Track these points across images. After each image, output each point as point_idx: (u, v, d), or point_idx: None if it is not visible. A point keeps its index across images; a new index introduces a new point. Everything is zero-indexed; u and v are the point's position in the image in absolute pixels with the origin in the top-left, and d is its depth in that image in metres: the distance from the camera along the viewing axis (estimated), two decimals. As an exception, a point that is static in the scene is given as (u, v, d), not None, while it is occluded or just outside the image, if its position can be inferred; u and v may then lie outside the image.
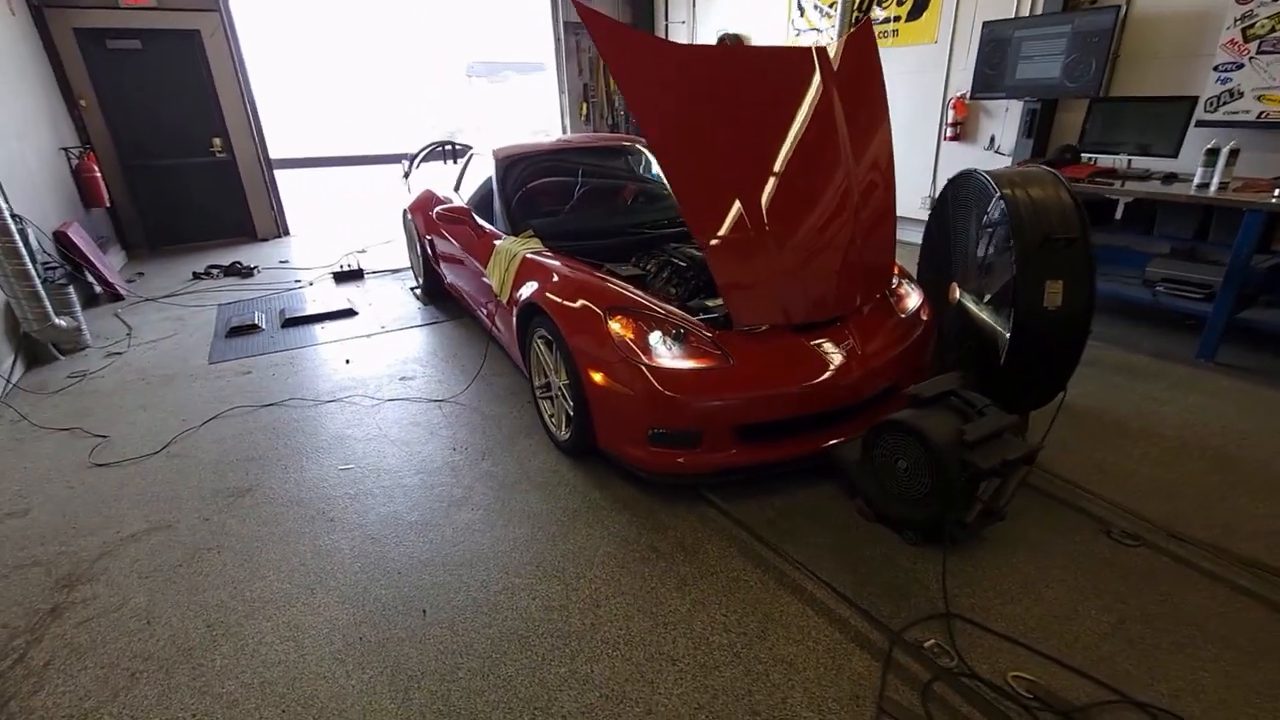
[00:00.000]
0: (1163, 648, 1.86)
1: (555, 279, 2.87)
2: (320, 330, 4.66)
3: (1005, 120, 5.22)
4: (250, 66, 7.18)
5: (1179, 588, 2.07)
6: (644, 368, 2.42)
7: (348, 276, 5.95)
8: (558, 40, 8.77)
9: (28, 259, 3.88)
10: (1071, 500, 2.50)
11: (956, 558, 2.21)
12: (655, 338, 2.53)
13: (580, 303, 2.67)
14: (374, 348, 4.29)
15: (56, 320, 4.11)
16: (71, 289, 4.30)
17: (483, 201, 3.98)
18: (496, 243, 3.48)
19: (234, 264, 6.24)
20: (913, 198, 5.95)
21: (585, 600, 2.09)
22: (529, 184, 3.90)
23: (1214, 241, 3.81)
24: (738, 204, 2.61)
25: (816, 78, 2.81)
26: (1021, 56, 4.67)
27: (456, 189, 4.50)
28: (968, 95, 5.25)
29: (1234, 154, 3.49)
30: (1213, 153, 3.55)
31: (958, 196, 3.06)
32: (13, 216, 3.85)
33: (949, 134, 5.63)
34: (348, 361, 4.06)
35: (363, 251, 6.79)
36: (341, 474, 2.84)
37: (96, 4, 6.35)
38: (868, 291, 2.86)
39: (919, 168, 5.94)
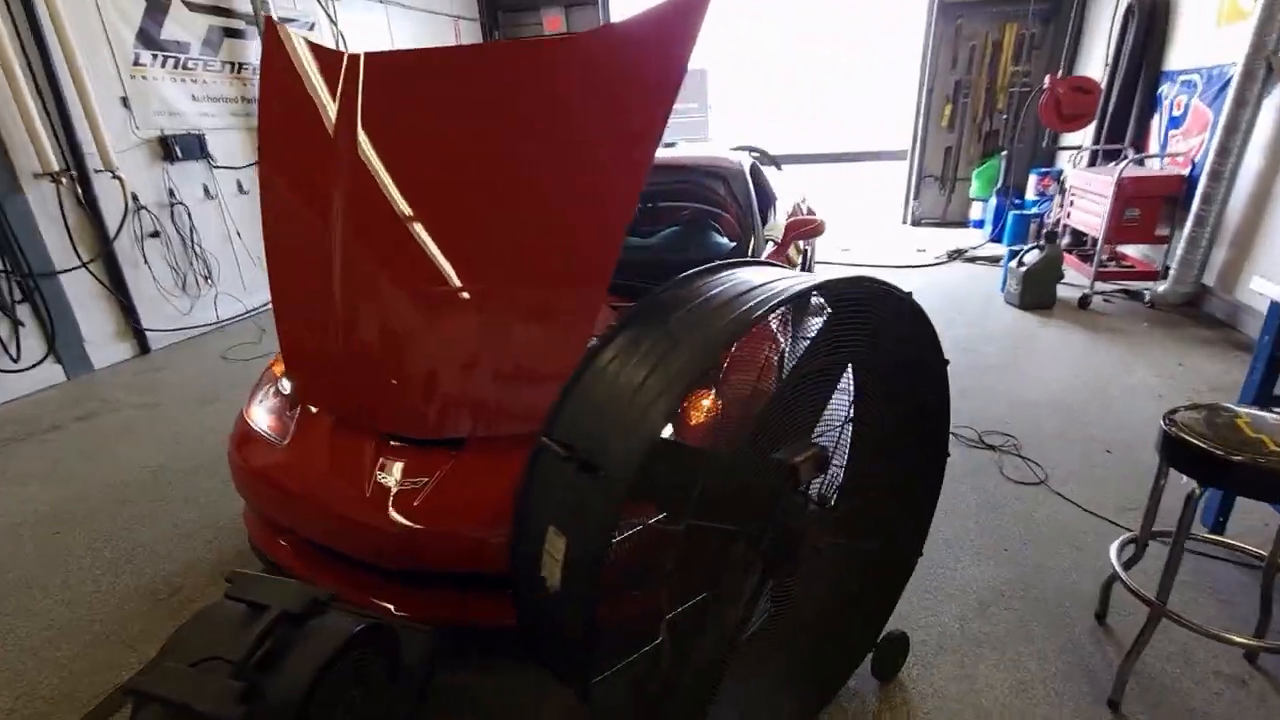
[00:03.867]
0: None
1: None
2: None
3: None
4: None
5: None
6: (241, 411, 2.14)
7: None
8: (929, 23, 7.48)
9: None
10: None
11: None
12: (285, 384, 2.19)
13: None
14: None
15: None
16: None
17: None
18: None
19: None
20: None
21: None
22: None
23: None
24: (322, 258, 1.99)
25: (521, 88, 1.88)
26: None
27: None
28: None
29: None
30: None
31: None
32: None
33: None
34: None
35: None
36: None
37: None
38: (501, 419, 1.85)
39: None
